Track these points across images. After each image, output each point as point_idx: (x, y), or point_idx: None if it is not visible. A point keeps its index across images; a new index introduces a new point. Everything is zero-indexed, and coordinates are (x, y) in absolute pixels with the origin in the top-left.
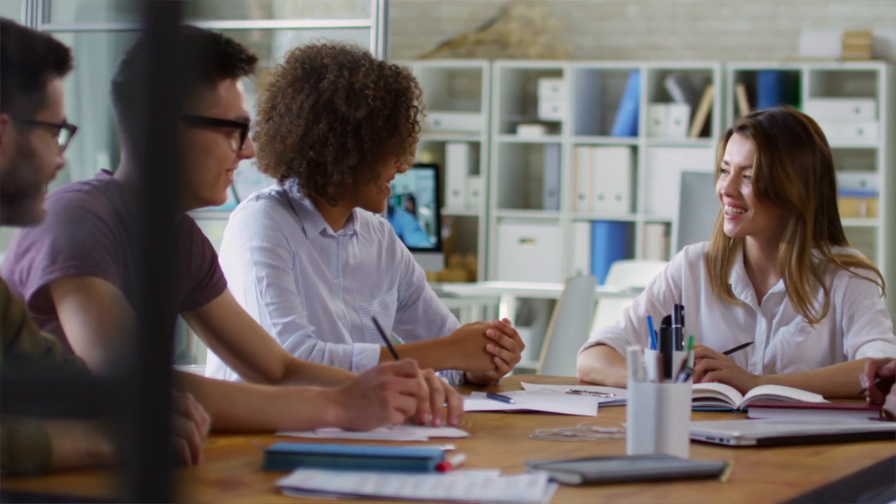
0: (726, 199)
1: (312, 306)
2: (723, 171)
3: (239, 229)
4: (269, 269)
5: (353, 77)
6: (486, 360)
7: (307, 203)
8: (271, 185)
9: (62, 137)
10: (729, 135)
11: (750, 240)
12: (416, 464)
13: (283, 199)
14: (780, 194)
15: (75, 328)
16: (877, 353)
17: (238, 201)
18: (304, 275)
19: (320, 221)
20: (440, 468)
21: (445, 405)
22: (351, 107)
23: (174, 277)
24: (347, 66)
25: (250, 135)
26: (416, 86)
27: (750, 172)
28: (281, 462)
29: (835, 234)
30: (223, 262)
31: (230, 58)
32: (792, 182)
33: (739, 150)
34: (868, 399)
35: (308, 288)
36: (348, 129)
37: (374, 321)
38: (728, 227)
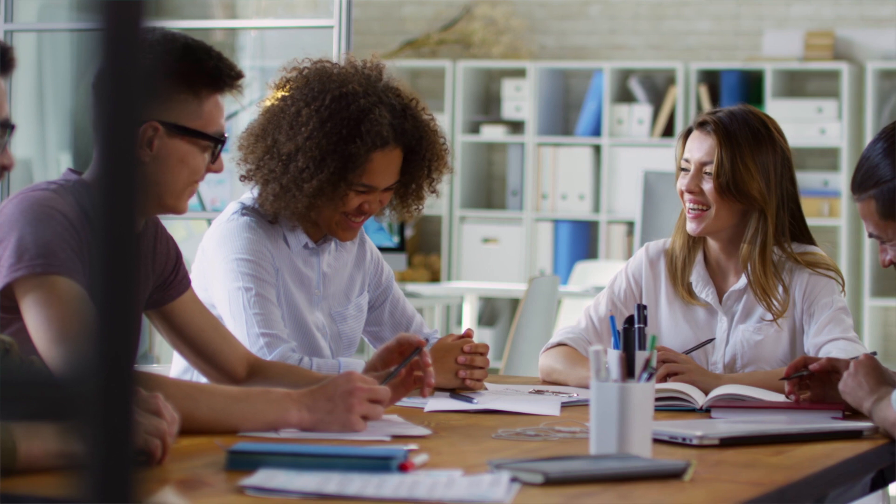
0: (688, 197)
1: (291, 321)
2: (683, 169)
3: (222, 241)
4: (256, 280)
5: (303, 109)
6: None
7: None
8: (246, 194)
9: (7, 136)
10: (688, 133)
11: (711, 238)
12: (379, 463)
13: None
14: (742, 189)
15: (38, 326)
16: (840, 352)
17: (201, 202)
18: (285, 290)
19: (301, 235)
20: (403, 468)
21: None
22: (287, 138)
23: (134, 278)
24: (308, 97)
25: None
26: (398, 129)
27: (711, 168)
28: (243, 462)
29: (798, 232)
30: (204, 271)
31: (220, 72)
32: (753, 177)
33: (700, 146)
34: (787, 390)
35: (289, 303)
36: (281, 158)
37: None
38: (691, 226)
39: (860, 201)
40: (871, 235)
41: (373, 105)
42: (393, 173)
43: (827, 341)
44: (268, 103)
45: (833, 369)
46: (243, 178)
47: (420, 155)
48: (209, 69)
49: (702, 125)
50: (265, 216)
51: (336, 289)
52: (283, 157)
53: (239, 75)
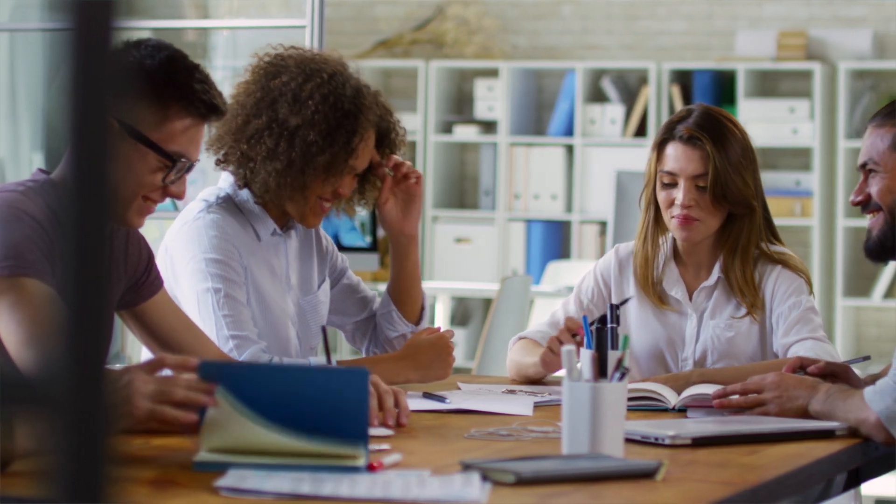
0: (681, 211)
1: (264, 314)
2: (667, 183)
3: (189, 241)
4: (225, 281)
5: (304, 84)
6: (439, 369)
7: (254, 205)
8: (214, 187)
9: None
10: (662, 144)
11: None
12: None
13: (231, 205)
14: (736, 196)
15: (8, 328)
16: (807, 352)
17: (173, 201)
18: (255, 284)
19: (269, 222)
20: (371, 468)
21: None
22: (291, 112)
23: (105, 278)
24: (305, 73)
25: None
26: (377, 110)
27: (703, 181)
28: (212, 462)
29: (768, 225)
30: (171, 271)
31: (191, 92)
32: (740, 176)
33: (690, 159)
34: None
35: (260, 297)
36: (283, 133)
37: (323, 330)
38: (684, 235)
39: (882, 126)
40: (862, 166)
41: (360, 86)
42: (369, 156)
43: (795, 341)
44: (247, 86)
45: (831, 373)
46: (220, 162)
47: (385, 143)
48: (180, 84)
49: (689, 139)
50: (231, 210)
51: (303, 277)
52: (289, 131)
53: (212, 106)
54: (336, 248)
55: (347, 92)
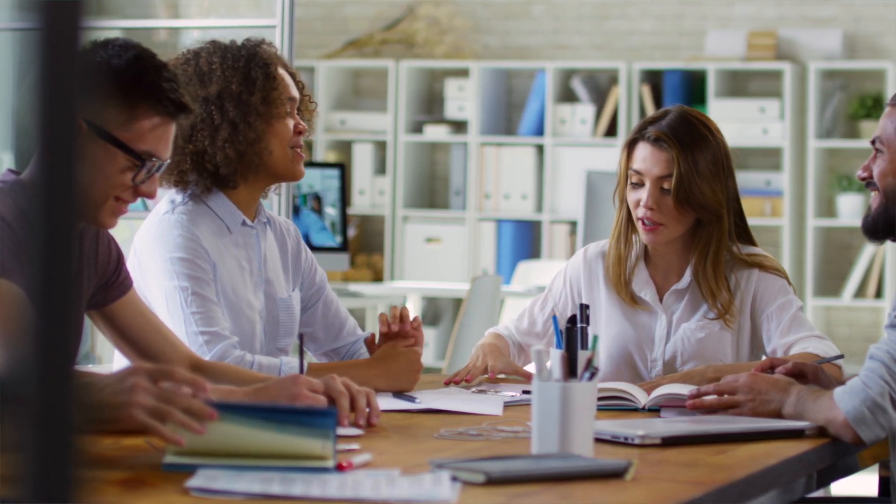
0: (646, 212)
1: (229, 307)
2: (635, 183)
3: (156, 241)
4: (192, 279)
5: (198, 63)
6: (407, 382)
7: (220, 197)
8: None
9: None
10: (632, 144)
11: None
12: (315, 463)
13: (198, 201)
14: (701, 202)
15: None
16: (814, 349)
17: (143, 202)
18: (222, 278)
19: (237, 213)
20: (341, 468)
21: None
22: (205, 87)
23: (73, 278)
24: (191, 57)
25: None
26: (269, 48)
27: (668, 184)
28: (181, 463)
29: (742, 232)
30: (139, 272)
31: (159, 92)
32: (708, 184)
33: (655, 161)
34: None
35: (225, 289)
36: (212, 108)
37: (300, 337)
38: (649, 237)
39: None
40: (872, 142)
41: (241, 40)
42: (294, 87)
43: (798, 339)
44: None
45: (800, 373)
46: (179, 182)
47: (295, 77)
48: (148, 84)
49: (656, 141)
50: (198, 206)
51: (279, 275)
52: (215, 102)
53: (182, 106)
54: (316, 265)
55: (236, 45)
